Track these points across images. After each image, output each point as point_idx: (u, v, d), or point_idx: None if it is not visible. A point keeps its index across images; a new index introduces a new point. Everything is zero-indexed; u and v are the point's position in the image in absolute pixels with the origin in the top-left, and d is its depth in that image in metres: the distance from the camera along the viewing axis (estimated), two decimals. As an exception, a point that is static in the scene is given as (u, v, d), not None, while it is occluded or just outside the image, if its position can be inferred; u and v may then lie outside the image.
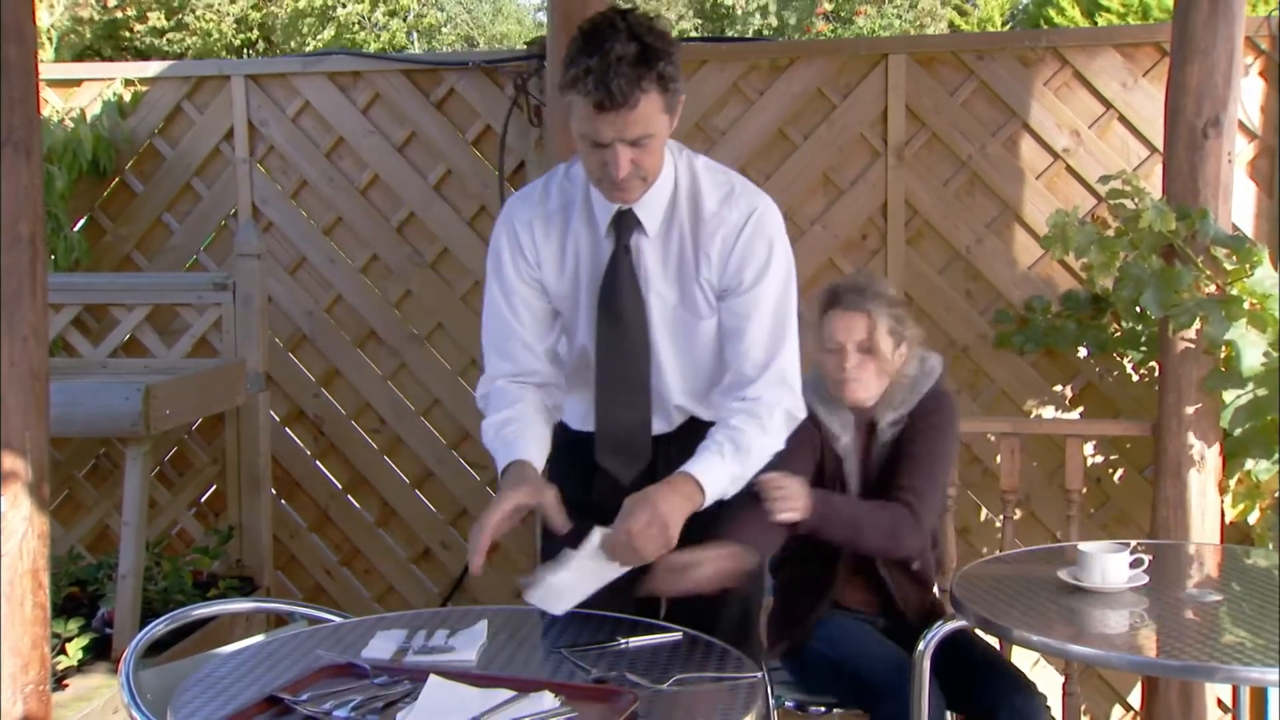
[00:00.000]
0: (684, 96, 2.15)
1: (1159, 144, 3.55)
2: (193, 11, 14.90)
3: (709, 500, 2.12)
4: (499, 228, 2.36)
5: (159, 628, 2.48)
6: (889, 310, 2.64)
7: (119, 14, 14.44)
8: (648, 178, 2.16)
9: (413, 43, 17.25)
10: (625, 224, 2.23)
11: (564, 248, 2.28)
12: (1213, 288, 3.23)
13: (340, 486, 4.48)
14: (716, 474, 2.13)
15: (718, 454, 2.15)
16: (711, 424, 2.24)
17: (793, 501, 2.33)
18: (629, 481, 2.26)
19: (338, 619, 2.46)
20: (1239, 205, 3.52)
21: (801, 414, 2.28)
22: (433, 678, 1.83)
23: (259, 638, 2.27)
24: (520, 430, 2.22)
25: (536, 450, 2.21)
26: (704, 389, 2.34)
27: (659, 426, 2.34)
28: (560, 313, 2.34)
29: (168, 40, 14.70)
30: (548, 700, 1.77)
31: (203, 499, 4.44)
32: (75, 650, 3.32)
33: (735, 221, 2.22)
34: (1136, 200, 3.27)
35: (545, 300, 2.32)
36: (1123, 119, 3.83)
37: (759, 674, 1.98)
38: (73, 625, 3.38)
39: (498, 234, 2.36)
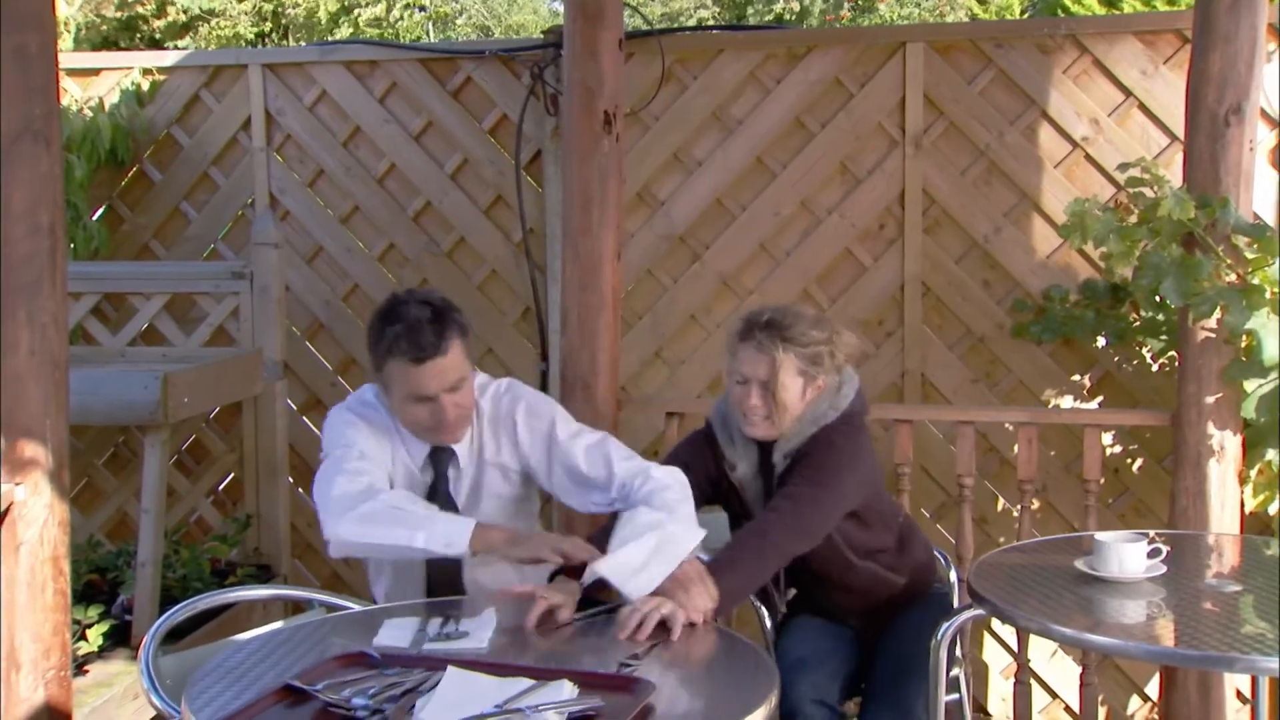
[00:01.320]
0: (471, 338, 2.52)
1: (1179, 132, 3.52)
2: (206, 21, 14.94)
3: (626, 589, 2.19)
4: (340, 434, 2.52)
5: (177, 615, 2.49)
6: (800, 351, 2.55)
7: (139, 8, 14.49)
8: (468, 415, 2.51)
9: (428, 32, 17.25)
10: (440, 458, 2.54)
11: (389, 461, 2.53)
12: (1233, 277, 3.20)
13: (357, 475, 4.49)
14: (625, 557, 2.22)
15: (624, 533, 2.27)
16: None
17: (690, 613, 2.19)
18: None
19: (355, 606, 2.47)
20: (1260, 193, 3.49)
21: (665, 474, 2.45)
22: (451, 668, 1.83)
23: (276, 625, 2.28)
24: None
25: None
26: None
27: None
28: None
29: (188, 38, 14.74)
30: (566, 689, 1.78)
31: (220, 487, 4.46)
32: (96, 636, 3.34)
33: (502, 410, 2.56)
34: (1156, 189, 3.24)
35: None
36: (1143, 107, 3.80)
37: (766, 659, 1.99)
38: (93, 612, 3.40)
39: (339, 415, 2.57)
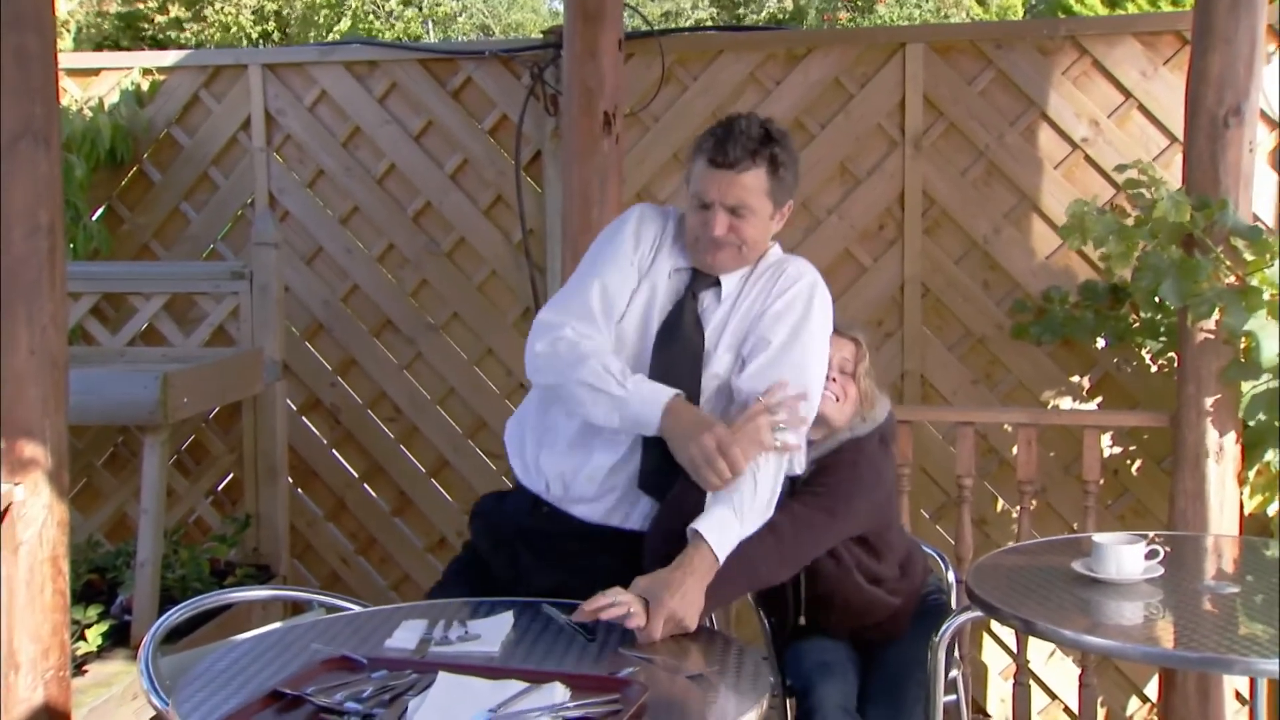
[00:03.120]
0: (790, 204, 2.38)
1: (1179, 133, 3.52)
2: (211, 4, 14.92)
3: (722, 558, 2.16)
4: (630, 211, 2.46)
5: (177, 615, 2.49)
6: (847, 338, 2.57)
7: (139, 4, 14.48)
8: (743, 248, 2.33)
9: (428, 32, 17.24)
10: (701, 280, 2.36)
11: (645, 267, 2.38)
12: (1232, 278, 3.21)
13: (356, 475, 4.50)
14: (726, 528, 2.17)
15: (725, 503, 2.17)
16: None
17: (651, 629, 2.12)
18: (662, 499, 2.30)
19: (355, 607, 2.47)
20: (1260, 195, 3.50)
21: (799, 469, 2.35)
22: (442, 674, 1.82)
23: (272, 626, 2.27)
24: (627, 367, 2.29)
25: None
26: None
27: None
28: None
29: (190, 33, 14.73)
30: (559, 692, 1.77)
31: (220, 487, 4.46)
32: (95, 636, 3.34)
33: (784, 286, 2.36)
34: (1153, 191, 3.25)
35: (628, 292, 2.36)
36: (1142, 108, 3.81)
37: (763, 659, 1.99)
38: (92, 612, 3.40)
39: (628, 214, 2.45)
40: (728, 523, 2.17)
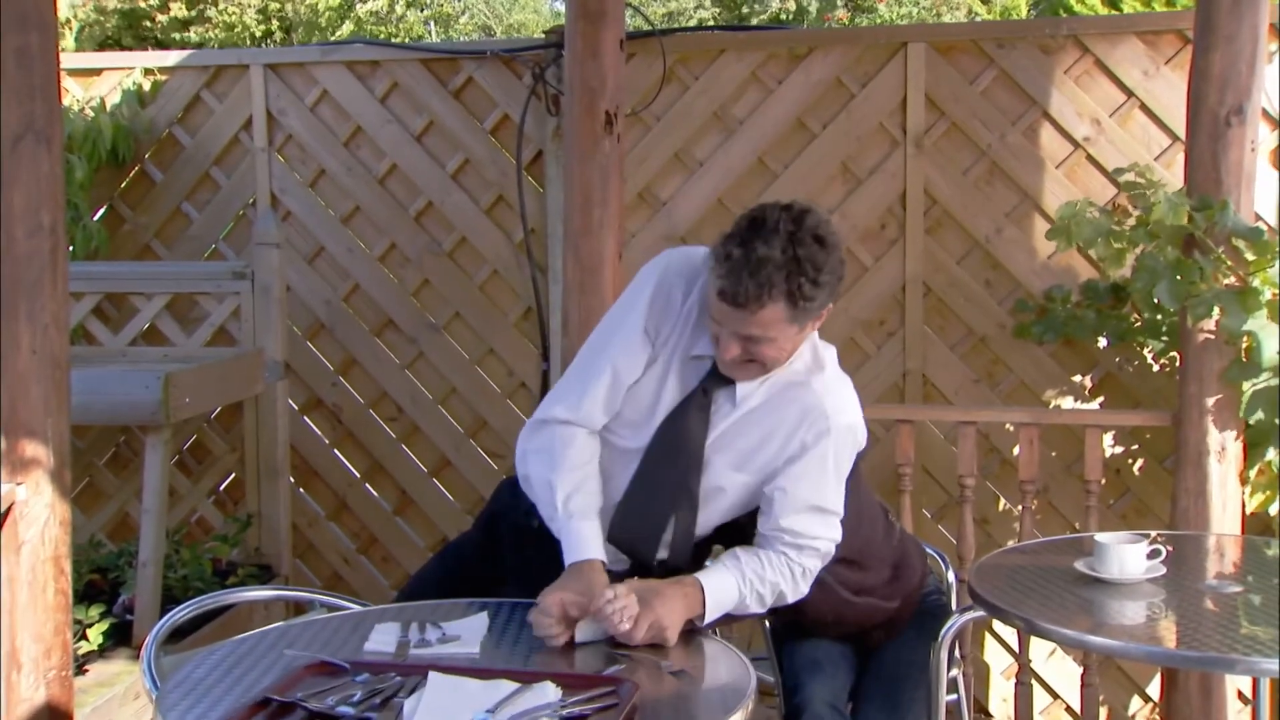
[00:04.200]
0: (825, 313, 2.11)
1: (1181, 133, 3.52)
2: (215, 4, 14.90)
3: (707, 617, 2.13)
4: (655, 270, 2.26)
5: (178, 616, 2.49)
6: None
7: (141, 3, 14.46)
8: (766, 367, 2.13)
9: (430, 32, 17.24)
10: (719, 375, 2.18)
11: (674, 342, 2.22)
12: (1233, 279, 3.20)
13: (358, 475, 4.50)
14: (725, 593, 2.15)
15: (736, 575, 2.17)
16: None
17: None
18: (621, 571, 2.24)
19: (355, 607, 2.46)
20: (1262, 194, 3.49)
21: (828, 559, 2.28)
22: (433, 674, 1.82)
23: (278, 624, 2.27)
24: (588, 505, 2.20)
25: (598, 535, 2.20)
26: (694, 546, 2.32)
27: (660, 553, 2.31)
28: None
29: (193, 32, 14.73)
30: (550, 692, 1.77)
31: (221, 487, 4.46)
32: (96, 636, 3.34)
33: (817, 429, 2.19)
34: (1152, 193, 3.25)
35: (637, 372, 2.24)
36: (1144, 107, 3.80)
37: (748, 661, 1.99)
38: (94, 612, 3.41)
39: (650, 274, 2.26)
40: (728, 590, 2.15)
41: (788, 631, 2.66)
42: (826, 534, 2.25)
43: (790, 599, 2.25)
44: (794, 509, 2.20)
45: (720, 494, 2.26)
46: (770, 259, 1.96)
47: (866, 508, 2.56)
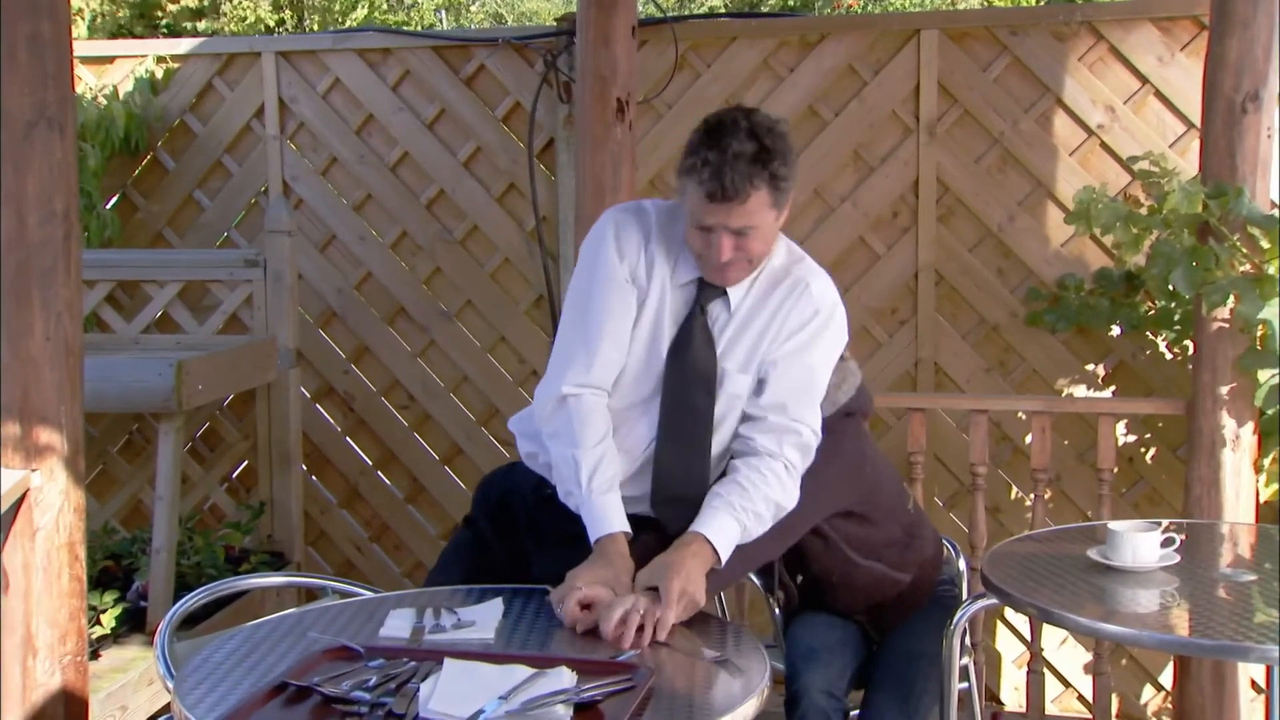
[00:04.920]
0: (793, 194, 2.25)
1: (1196, 119, 3.50)
2: (229, -1, 14.89)
3: (723, 560, 2.16)
4: (604, 223, 2.36)
5: (191, 602, 2.50)
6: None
7: (153, -8, 14.44)
8: (753, 262, 2.26)
9: (441, 20, 17.23)
10: (708, 291, 2.28)
11: (650, 277, 2.29)
12: (1248, 266, 3.19)
13: (370, 462, 4.51)
14: (727, 532, 2.17)
15: (726, 509, 2.18)
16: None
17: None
18: (676, 530, 2.24)
19: (367, 593, 2.47)
20: (1279, 181, 3.47)
21: (811, 454, 2.30)
22: (448, 660, 1.82)
23: (293, 610, 2.28)
24: (611, 479, 2.23)
25: (620, 508, 2.22)
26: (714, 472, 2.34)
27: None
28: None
29: (205, 23, 14.73)
30: (566, 677, 1.77)
31: (234, 474, 4.48)
32: (109, 621, 3.36)
33: (801, 312, 2.31)
34: (1166, 181, 3.23)
35: (632, 310, 2.30)
36: (1159, 94, 3.78)
37: (763, 648, 2.00)
38: (108, 598, 3.42)
39: (602, 228, 2.35)
40: (728, 527, 2.17)
41: (796, 612, 2.66)
42: (809, 419, 2.30)
43: (787, 504, 2.26)
44: (783, 385, 2.27)
45: (736, 401, 2.30)
46: (744, 152, 2.12)
47: (872, 454, 2.57)
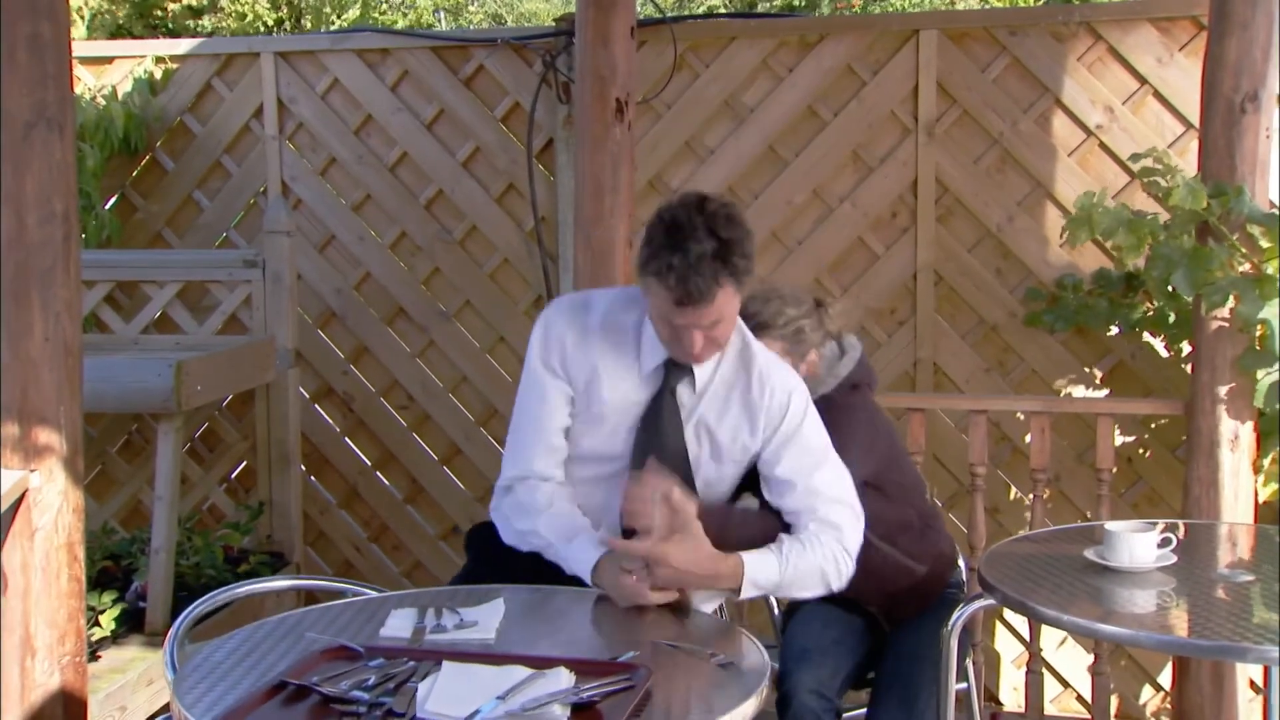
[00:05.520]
0: (753, 274, 2.23)
1: (1195, 120, 3.50)
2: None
3: (743, 592, 2.17)
4: (536, 327, 2.40)
5: (201, 607, 2.49)
6: (779, 332, 2.56)
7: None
8: (720, 347, 2.26)
9: (440, 20, 17.22)
10: (675, 372, 2.29)
11: (596, 368, 2.32)
12: (1247, 266, 3.19)
13: (369, 463, 4.51)
14: (767, 573, 2.18)
15: (776, 555, 2.20)
16: None
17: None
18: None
19: (370, 594, 2.47)
20: (1277, 181, 3.47)
21: (856, 538, 2.29)
22: (446, 664, 1.82)
23: (294, 611, 2.27)
24: (578, 526, 2.28)
25: (594, 538, 2.26)
26: None
27: None
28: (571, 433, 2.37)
29: (207, 21, 14.71)
30: (564, 678, 1.77)
31: (233, 475, 4.48)
32: (109, 622, 3.36)
33: (778, 400, 2.30)
34: (1168, 178, 3.23)
35: (562, 405, 2.35)
36: (1158, 95, 3.78)
37: (762, 647, 2.00)
38: (107, 598, 3.42)
39: (534, 332, 2.39)
40: (769, 563, 2.19)
41: (800, 606, 2.67)
42: (842, 494, 2.29)
43: (834, 582, 2.25)
44: (801, 476, 2.27)
45: (709, 490, 2.32)
46: (706, 252, 2.09)
47: (868, 423, 2.59)
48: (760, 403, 2.30)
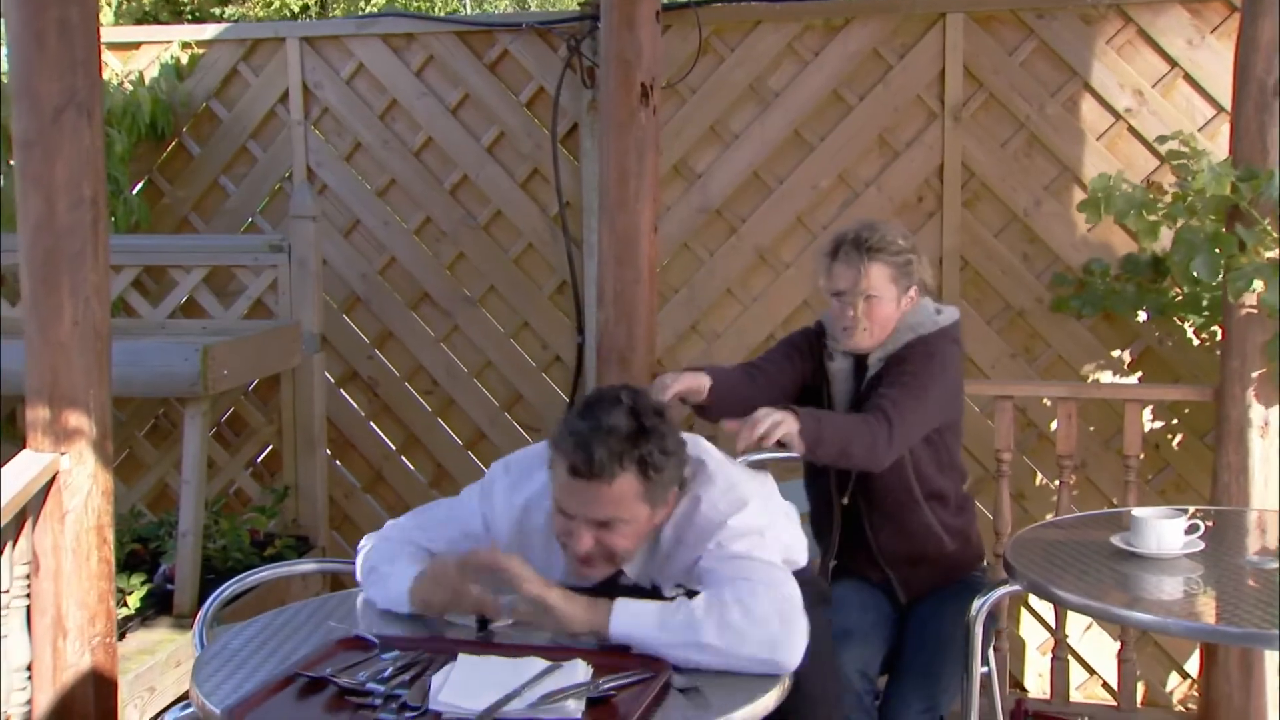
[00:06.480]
0: (675, 491, 1.98)
1: (1226, 103, 3.47)
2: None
3: (610, 634, 1.86)
4: (492, 469, 2.19)
5: (228, 590, 2.52)
6: (890, 259, 2.60)
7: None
8: (616, 558, 1.97)
9: (465, 5, 17.20)
10: (609, 586, 2.01)
11: (500, 530, 2.11)
12: (1276, 251, 3.15)
13: (394, 447, 4.53)
14: (639, 617, 1.86)
15: (661, 607, 1.87)
16: None
17: (784, 424, 2.28)
18: None
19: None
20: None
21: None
22: (462, 655, 1.81)
23: (314, 598, 2.29)
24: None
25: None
26: None
27: None
28: None
29: (233, 8, 14.75)
30: (581, 670, 1.76)
31: (259, 459, 4.50)
32: (135, 602, 3.39)
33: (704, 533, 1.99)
34: (1195, 162, 3.20)
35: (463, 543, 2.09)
36: (1188, 78, 3.74)
37: None
38: (135, 580, 3.45)
39: (493, 476, 2.17)
40: (645, 617, 1.86)
41: (834, 576, 2.68)
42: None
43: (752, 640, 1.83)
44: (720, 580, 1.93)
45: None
46: (618, 428, 1.89)
47: (957, 370, 2.67)
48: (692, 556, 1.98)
